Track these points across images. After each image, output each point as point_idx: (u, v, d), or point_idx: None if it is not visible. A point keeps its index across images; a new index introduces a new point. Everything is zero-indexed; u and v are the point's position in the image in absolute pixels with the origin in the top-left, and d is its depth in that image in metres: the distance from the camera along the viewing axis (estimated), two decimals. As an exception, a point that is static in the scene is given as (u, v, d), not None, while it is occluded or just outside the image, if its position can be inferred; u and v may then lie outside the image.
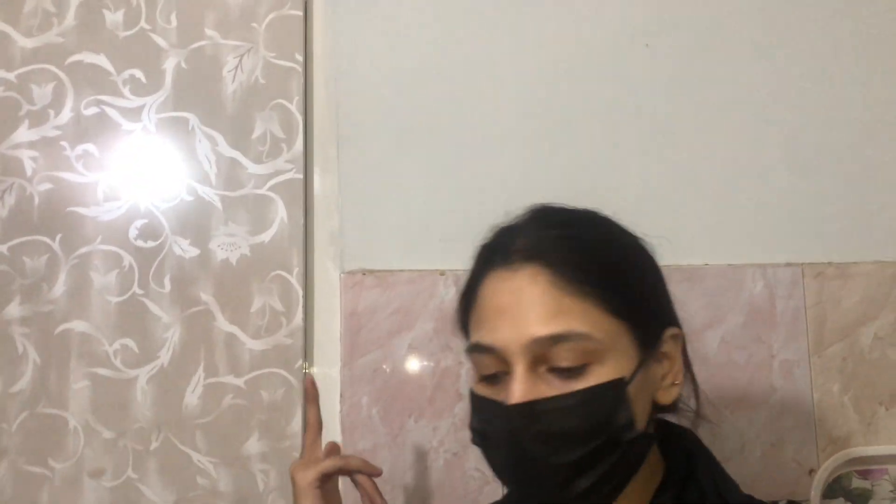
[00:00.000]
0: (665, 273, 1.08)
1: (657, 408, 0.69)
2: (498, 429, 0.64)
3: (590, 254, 0.67)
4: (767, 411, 1.10)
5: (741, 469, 1.08)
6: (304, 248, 1.12)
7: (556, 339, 0.62)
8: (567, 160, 1.15)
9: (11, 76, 1.12)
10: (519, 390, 0.63)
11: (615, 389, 0.63)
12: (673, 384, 0.69)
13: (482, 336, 0.66)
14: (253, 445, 1.08)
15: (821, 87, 1.19)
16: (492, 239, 0.72)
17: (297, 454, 1.07)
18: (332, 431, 1.09)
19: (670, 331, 0.70)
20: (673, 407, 0.72)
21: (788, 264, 1.13)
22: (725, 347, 1.11)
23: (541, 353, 0.63)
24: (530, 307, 0.64)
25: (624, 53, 1.18)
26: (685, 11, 1.19)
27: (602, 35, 1.18)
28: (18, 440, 1.07)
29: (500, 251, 0.68)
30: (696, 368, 1.07)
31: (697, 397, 0.77)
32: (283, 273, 1.11)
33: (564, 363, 0.63)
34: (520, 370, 0.63)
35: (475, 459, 1.07)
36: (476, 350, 0.67)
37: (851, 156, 1.17)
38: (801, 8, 1.20)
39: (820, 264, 1.13)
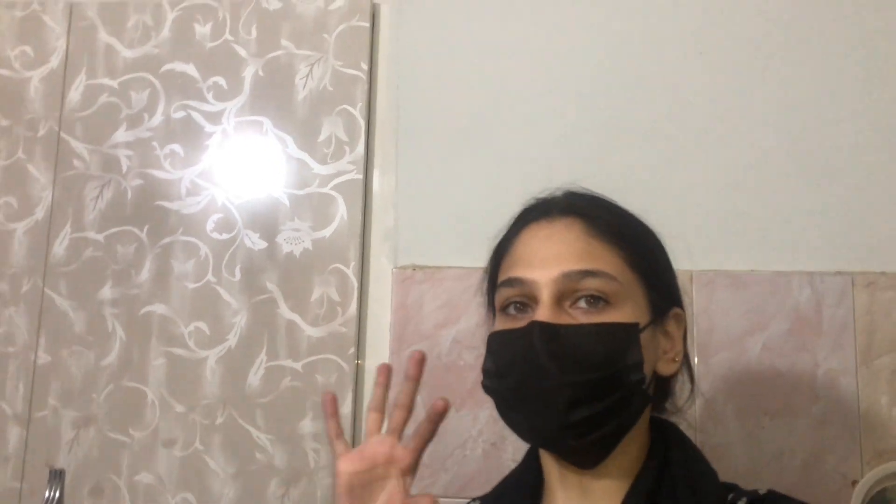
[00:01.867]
0: (710, 277, 1.12)
1: (658, 381, 0.74)
2: (516, 350, 0.68)
3: (618, 216, 0.76)
4: (809, 420, 1.09)
5: (779, 476, 1.07)
6: (361, 244, 1.20)
7: (584, 274, 0.68)
8: (616, 163, 1.19)
9: (115, 83, 1.26)
10: (544, 314, 0.68)
11: (630, 331, 0.69)
12: (673, 360, 0.74)
13: (514, 272, 0.72)
14: (307, 425, 1.16)
15: (876, 91, 1.17)
16: (530, 204, 0.79)
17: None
18: (381, 416, 1.16)
19: (675, 310, 0.76)
20: (670, 385, 0.77)
21: (838, 273, 1.12)
22: (768, 354, 1.11)
23: (567, 288, 0.69)
24: (563, 246, 0.71)
25: (669, 59, 1.20)
26: (740, 14, 1.21)
27: (652, 43, 1.21)
28: (105, 409, 1.20)
29: (538, 209, 0.76)
30: (737, 374, 1.10)
31: (693, 383, 0.81)
32: (341, 266, 1.19)
33: (589, 294, 0.68)
34: (546, 299, 0.68)
35: (513, 449, 1.11)
36: (506, 285, 0.72)
37: (910, 166, 1.15)
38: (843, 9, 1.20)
39: (871, 273, 1.12)
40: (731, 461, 1.09)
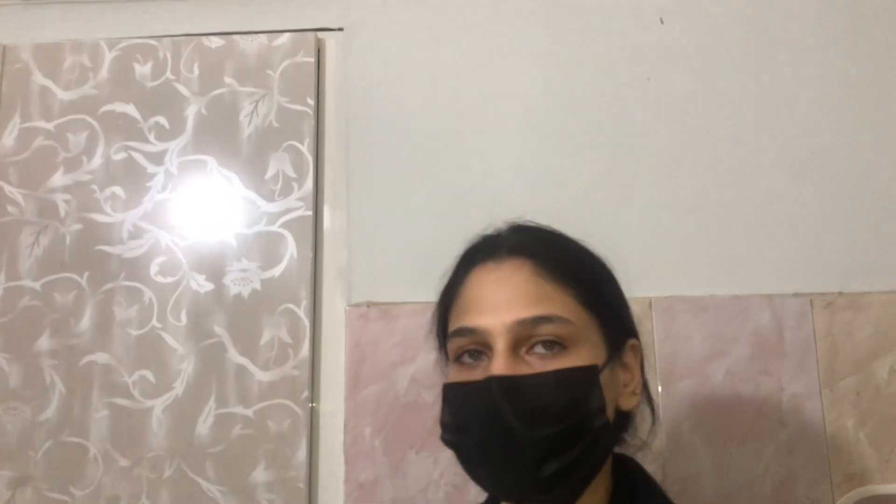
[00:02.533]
0: (668, 304, 1.10)
1: (619, 416, 0.72)
2: (476, 405, 0.65)
3: (567, 254, 0.74)
4: (777, 446, 1.06)
5: (750, 505, 1.05)
6: (312, 283, 1.16)
7: (537, 321, 0.66)
8: (570, 190, 1.17)
9: (51, 126, 1.22)
10: (500, 365, 0.65)
11: (589, 374, 0.66)
12: (633, 393, 0.73)
13: (466, 320, 0.69)
14: (260, 475, 1.11)
15: (830, 113, 1.18)
16: (476, 243, 0.76)
17: (301, 485, 1.10)
18: (336, 462, 1.11)
19: (632, 341, 0.74)
20: (631, 418, 0.75)
21: (796, 294, 1.11)
22: (731, 380, 1.09)
23: (522, 335, 0.66)
24: (514, 292, 0.68)
25: (626, 84, 1.20)
26: (690, 41, 1.21)
27: (601, 67, 1.21)
28: (43, 467, 1.13)
29: (484, 250, 0.73)
30: (702, 402, 1.07)
31: (654, 414, 0.80)
32: (292, 306, 1.15)
33: (545, 339, 0.66)
34: (501, 348, 0.66)
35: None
36: (458, 335, 0.69)
37: (861, 182, 1.16)
38: (815, 31, 1.21)
39: (830, 294, 1.11)
40: (700, 491, 1.06)
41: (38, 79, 1.23)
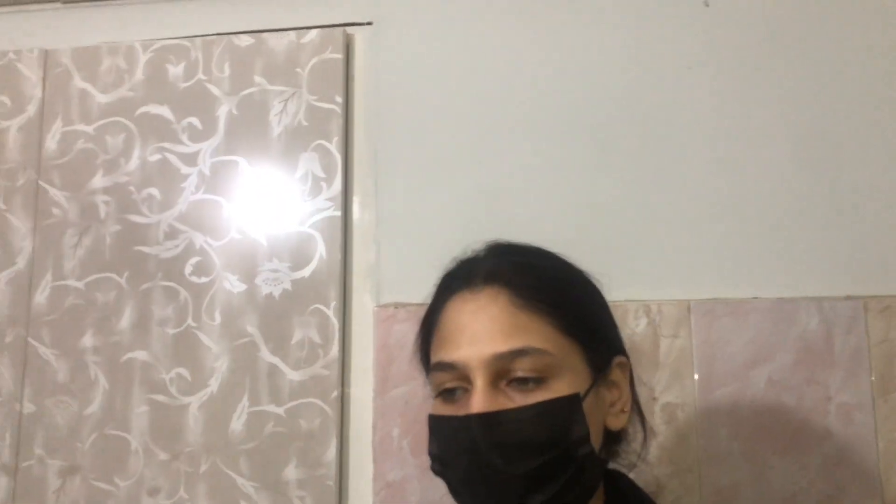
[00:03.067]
0: (709, 307, 1.04)
1: (608, 435, 0.71)
2: (458, 442, 0.65)
3: (544, 278, 0.71)
4: (822, 458, 1.00)
5: (791, 521, 1.00)
6: (341, 283, 1.16)
7: (515, 355, 0.65)
8: (605, 190, 1.12)
9: (90, 129, 1.24)
10: (480, 402, 0.65)
11: (571, 404, 0.66)
12: (622, 411, 0.72)
13: (444, 355, 0.69)
14: (291, 472, 1.12)
15: (891, 108, 1.09)
16: (453, 269, 0.76)
17: (331, 483, 1.11)
18: (365, 461, 1.11)
19: (618, 358, 0.73)
20: (621, 436, 0.74)
21: (849, 297, 1.04)
22: (774, 388, 1.03)
23: (501, 369, 0.66)
24: (491, 325, 0.67)
25: (661, 77, 1.14)
26: (736, 25, 1.13)
27: (639, 59, 1.14)
28: (90, 458, 1.17)
29: (461, 277, 0.73)
30: (742, 410, 1.02)
31: (645, 429, 0.79)
32: (322, 307, 1.15)
33: (523, 376, 0.65)
34: (480, 384, 0.65)
35: None
36: (438, 369, 0.69)
37: (926, 178, 1.06)
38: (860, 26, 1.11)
39: (886, 297, 1.03)
40: (740, 502, 1.01)
41: (78, 82, 1.25)
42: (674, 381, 1.05)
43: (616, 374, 0.72)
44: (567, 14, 1.17)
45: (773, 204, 1.08)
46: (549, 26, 1.17)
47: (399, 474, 1.09)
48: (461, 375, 0.67)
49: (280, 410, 1.14)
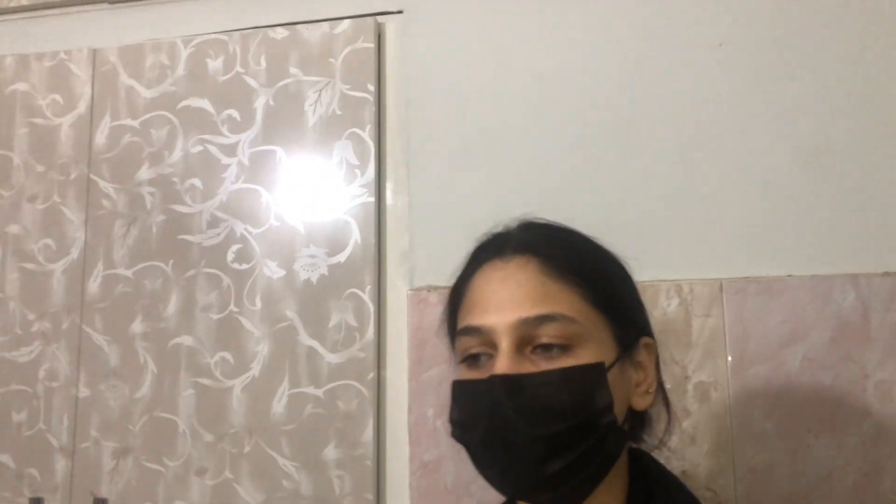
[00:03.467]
0: (741, 285, 1.04)
1: (633, 415, 0.71)
2: (480, 404, 0.66)
3: (575, 251, 0.72)
4: (860, 437, 0.99)
5: (828, 499, 0.98)
6: (376, 267, 1.18)
7: (542, 320, 0.66)
8: (634, 170, 1.12)
9: (136, 123, 1.30)
10: (504, 364, 0.65)
11: (596, 372, 0.66)
12: (647, 392, 0.71)
13: (471, 319, 0.69)
14: (330, 452, 1.15)
15: (930, 76, 1.06)
16: (484, 241, 0.76)
17: (369, 463, 1.14)
18: (402, 441, 1.14)
19: (645, 339, 0.72)
20: (645, 418, 0.74)
21: (886, 273, 1.02)
22: (809, 366, 1.02)
23: (527, 334, 0.66)
24: (518, 291, 0.67)
25: (689, 57, 1.13)
26: (762, 5, 1.12)
27: (668, 40, 1.14)
28: (141, 439, 1.23)
29: (491, 248, 0.73)
30: (776, 389, 1.01)
31: (669, 413, 0.78)
32: (357, 291, 1.18)
33: (548, 342, 0.66)
34: (505, 347, 0.66)
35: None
36: (464, 333, 0.70)
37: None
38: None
39: (926, 274, 1.01)
40: (773, 483, 1.01)
41: (124, 79, 1.31)
42: (706, 360, 1.05)
43: (642, 355, 0.72)
44: (598, 12, 1.18)
45: (806, 180, 1.07)
46: (576, 9, 1.18)
47: (434, 454, 1.11)
48: (487, 340, 0.68)
49: (319, 392, 1.17)
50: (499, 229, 0.76)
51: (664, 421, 0.77)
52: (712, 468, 1.03)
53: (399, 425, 1.15)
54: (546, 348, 0.66)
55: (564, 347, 0.66)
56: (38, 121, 1.34)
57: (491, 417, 0.64)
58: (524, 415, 0.63)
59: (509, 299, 0.67)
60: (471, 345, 0.69)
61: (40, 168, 1.32)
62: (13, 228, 1.32)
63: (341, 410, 1.16)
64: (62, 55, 1.34)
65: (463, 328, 0.70)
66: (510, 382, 0.64)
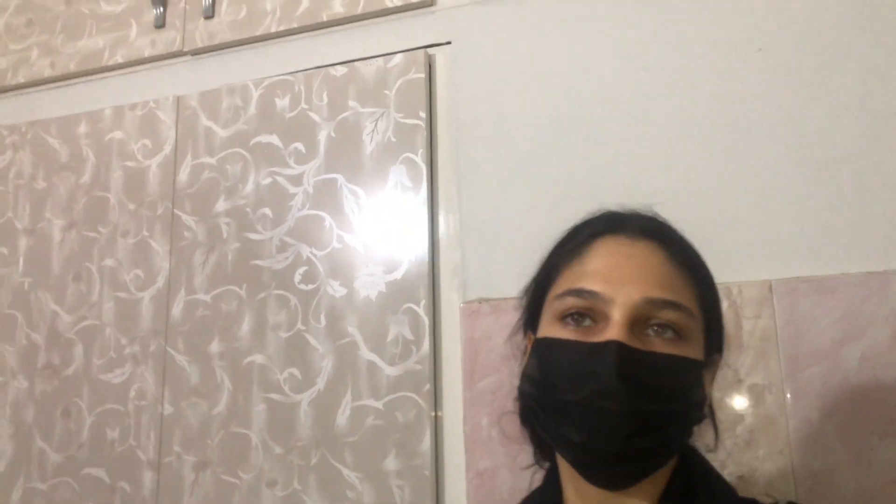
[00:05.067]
0: (792, 285, 1.02)
1: None
2: (587, 366, 0.65)
3: (693, 250, 0.74)
4: (927, 438, 0.94)
5: (894, 504, 0.94)
6: (430, 282, 1.23)
7: (665, 304, 0.66)
8: (681, 178, 1.13)
9: (214, 160, 1.42)
10: (619, 334, 0.65)
11: (697, 368, 0.68)
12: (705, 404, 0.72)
13: (587, 283, 0.68)
14: (390, 462, 1.19)
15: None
16: (598, 216, 0.76)
17: (427, 472, 1.16)
18: (458, 451, 1.16)
19: (716, 355, 0.74)
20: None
21: (947, 268, 0.98)
22: (868, 365, 0.98)
23: (642, 314, 0.66)
24: (648, 270, 0.68)
25: (731, 62, 1.14)
26: (806, 4, 1.12)
27: (714, 50, 1.16)
28: (218, 454, 1.31)
29: (612, 225, 0.73)
30: (834, 390, 0.98)
31: (716, 427, 0.79)
32: (413, 305, 1.23)
33: (663, 326, 0.66)
34: (621, 320, 0.66)
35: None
36: (574, 294, 0.68)
37: None
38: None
39: None
40: (836, 488, 0.97)
41: (203, 121, 1.44)
42: (759, 362, 1.03)
43: (711, 371, 0.73)
44: (635, 17, 1.21)
45: (856, 175, 1.05)
46: (616, 31, 1.21)
47: (490, 462, 1.13)
48: (596, 307, 0.67)
49: (379, 404, 1.22)
50: (606, 212, 0.77)
51: (710, 435, 0.78)
52: (770, 473, 1.00)
53: (455, 435, 1.18)
54: (662, 330, 0.66)
55: (676, 336, 0.67)
56: (131, 164, 1.48)
57: (595, 379, 0.64)
58: (630, 385, 0.63)
59: (636, 275, 0.67)
60: (575, 305, 0.68)
61: (132, 206, 1.46)
62: (109, 262, 1.46)
63: (400, 422, 1.20)
64: (151, 104, 1.49)
65: (575, 289, 0.68)
66: (627, 353, 0.64)
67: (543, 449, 0.82)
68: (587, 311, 0.68)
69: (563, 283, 0.71)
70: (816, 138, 1.08)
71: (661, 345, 0.66)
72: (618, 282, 0.67)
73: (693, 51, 1.17)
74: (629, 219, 0.74)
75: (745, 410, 1.02)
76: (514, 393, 0.77)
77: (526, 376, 0.72)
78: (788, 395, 1.01)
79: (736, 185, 1.10)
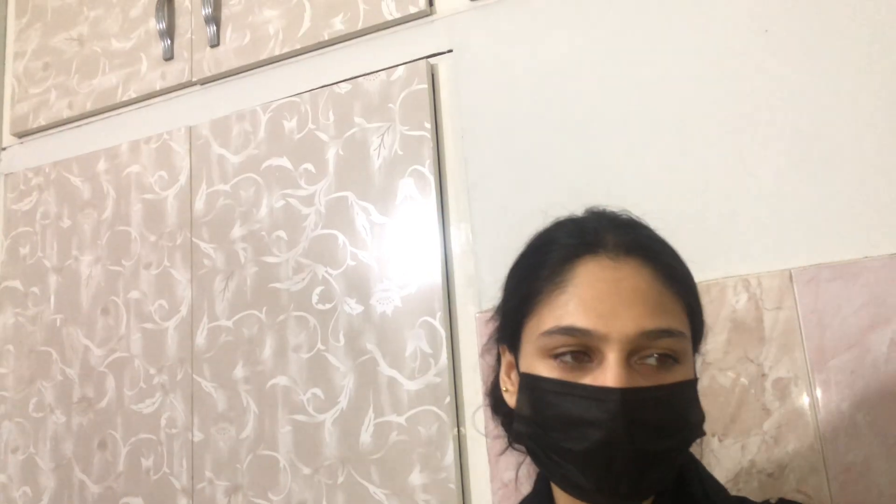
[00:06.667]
0: (812, 273, 0.99)
1: None
2: (589, 412, 0.63)
3: (678, 259, 0.71)
4: (965, 424, 0.90)
5: (935, 495, 0.89)
6: (445, 294, 1.22)
7: (661, 334, 0.64)
8: (692, 169, 1.10)
9: (227, 187, 1.43)
10: (621, 375, 0.62)
11: (693, 388, 0.67)
12: None
13: (576, 319, 0.65)
14: (416, 477, 1.18)
15: None
16: (569, 229, 0.73)
17: (453, 486, 1.15)
18: (481, 462, 1.15)
19: (698, 354, 0.73)
20: None
21: (975, 244, 0.94)
22: (898, 350, 0.94)
23: (639, 346, 0.64)
24: (635, 298, 0.64)
25: (746, 41, 1.11)
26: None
27: (722, 35, 1.13)
28: (248, 477, 1.31)
29: (593, 242, 0.68)
30: (864, 378, 0.95)
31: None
32: (429, 318, 1.22)
33: (659, 355, 0.65)
34: (616, 358, 0.63)
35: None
36: (562, 332, 0.65)
37: None
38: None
39: None
40: (871, 480, 0.93)
41: (216, 149, 1.45)
42: (783, 354, 1.00)
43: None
44: (636, 17, 1.19)
45: (874, 154, 1.01)
46: (619, 35, 1.19)
47: (513, 473, 1.11)
48: (589, 344, 0.65)
49: (401, 420, 1.21)
50: (567, 217, 0.74)
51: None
52: (802, 468, 0.96)
53: (478, 447, 1.17)
54: (659, 358, 0.64)
55: (672, 362, 0.65)
56: (149, 196, 1.51)
57: (604, 430, 0.62)
58: (639, 430, 0.62)
59: (624, 306, 0.64)
60: (565, 343, 0.65)
61: (152, 238, 1.49)
62: (134, 294, 1.48)
63: (423, 436, 1.19)
64: (165, 135, 1.51)
65: (565, 327, 0.65)
66: (632, 395, 0.62)
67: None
68: (580, 348, 0.65)
69: (547, 316, 0.67)
70: (831, 118, 1.04)
71: (657, 374, 0.64)
72: (609, 315, 0.64)
73: (700, 44, 1.14)
74: (604, 232, 0.69)
75: (771, 406, 0.99)
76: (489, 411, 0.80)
77: (520, 416, 0.69)
78: (816, 387, 0.97)
79: (749, 173, 1.07)
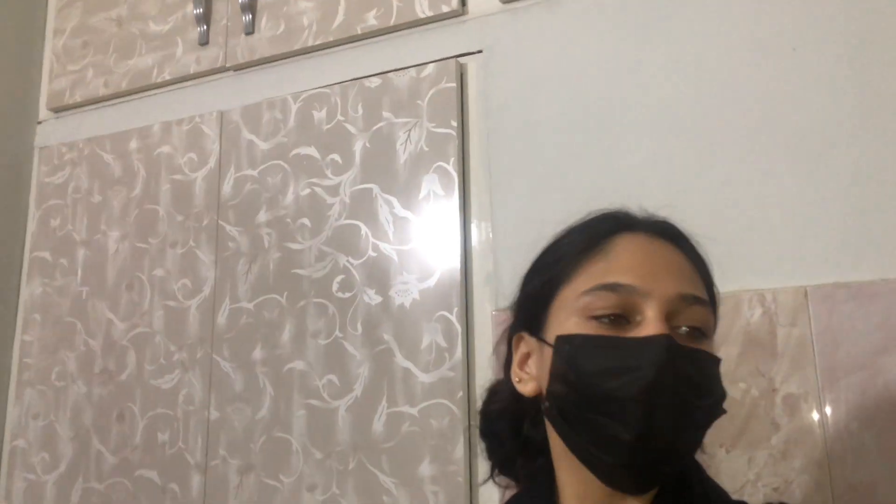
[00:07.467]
0: (828, 292, 1.00)
1: None
2: (631, 361, 0.63)
3: (703, 254, 0.74)
4: (972, 451, 0.90)
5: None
6: (463, 290, 1.24)
7: (695, 300, 0.67)
8: (713, 179, 1.11)
9: (255, 173, 1.46)
10: (664, 329, 0.64)
11: (718, 365, 0.69)
12: None
13: (622, 277, 0.67)
14: (425, 469, 1.21)
15: None
16: (609, 213, 0.77)
17: (461, 479, 1.17)
18: (490, 458, 1.17)
19: None
20: None
21: None
22: (909, 374, 0.95)
23: (675, 310, 0.66)
24: (675, 266, 0.69)
25: (771, 61, 1.11)
26: (841, 4, 1.09)
27: (746, 42, 1.13)
28: (261, 458, 1.34)
29: (629, 224, 0.73)
30: (874, 399, 0.96)
31: None
32: (446, 313, 1.24)
33: (696, 323, 0.67)
34: (657, 314, 0.65)
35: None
36: (605, 289, 0.67)
37: None
38: None
39: None
40: (875, 502, 0.94)
41: (245, 135, 1.48)
42: (794, 371, 1.01)
43: None
44: (665, 22, 1.20)
45: (892, 179, 1.01)
46: (646, 36, 1.20)
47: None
48: (631, 302, 0.66)
49: (414, 411, 1.23)
50: (608, 212, 0.77)
51: None
52: (807, 485, 0.97)
53: (488, 442, 1.19)
54: (692, 328, 0.67)
55: (703, 335, 0.68)
56: (178, 177, 1.54)
57: (648, 375, 0.62)
58: (681, 381, 0.63)
59: (666, 272, 0.67)
60: (607, 302, 0.66)
61: (179, 218, 1.52)
62: (158, 272, 1.52)
63: (434, 428, 1.21)
64: (196, 119, 1.54)
65: (610, 283, 0.66)
66: (676, 347, 0.64)
67: (505, 464, 0.83)
68: (618, 309, 0.66)
69: (587, 279, 0.68)
70: (853, 140, 1.05)
71: (693, 342, 0.67)
72: (651, 276, 0.67)
73: (725, 55, 1.15)
74: (640, 219, 0.75)
75: (780, 420, 1.00)
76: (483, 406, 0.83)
77: (557, 377, 0.68)
78: (826, 405, 0.98)
79: (770, 188, 1.08)
